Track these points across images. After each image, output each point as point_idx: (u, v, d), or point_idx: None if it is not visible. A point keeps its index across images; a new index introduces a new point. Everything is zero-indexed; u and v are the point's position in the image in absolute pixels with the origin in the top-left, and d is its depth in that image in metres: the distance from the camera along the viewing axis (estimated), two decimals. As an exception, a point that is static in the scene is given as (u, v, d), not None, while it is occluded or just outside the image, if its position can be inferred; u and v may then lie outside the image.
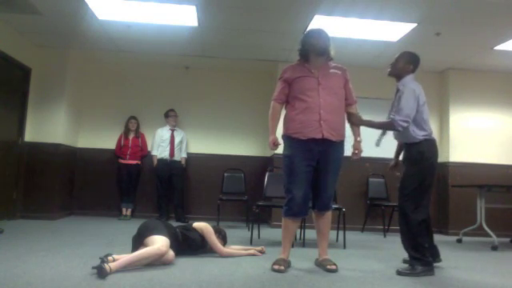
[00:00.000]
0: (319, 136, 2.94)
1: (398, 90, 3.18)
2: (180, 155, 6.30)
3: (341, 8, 4.36)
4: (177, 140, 6.27)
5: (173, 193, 6.19)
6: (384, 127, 3.23)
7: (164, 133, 6.26)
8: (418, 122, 3.06)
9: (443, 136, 6.31)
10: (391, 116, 3.11)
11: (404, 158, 3.20)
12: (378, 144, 3.32)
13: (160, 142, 6.23)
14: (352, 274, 2.94)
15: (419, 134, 3.07)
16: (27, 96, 5.72)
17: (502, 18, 4.45)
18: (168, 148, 6.19)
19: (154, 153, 6.25)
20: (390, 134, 3.33)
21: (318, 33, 3.07)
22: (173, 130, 6.30)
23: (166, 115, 6.33)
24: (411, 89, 3.06)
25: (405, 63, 3.20)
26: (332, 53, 3.08)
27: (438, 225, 6.05)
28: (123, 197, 6.21)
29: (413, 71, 3.21)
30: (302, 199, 2.98)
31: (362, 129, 3.24)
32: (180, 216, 6.06)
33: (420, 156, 3.05)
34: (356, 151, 3.14)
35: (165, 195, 6.19)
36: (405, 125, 3.01)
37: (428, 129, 3.11)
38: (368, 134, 3.32)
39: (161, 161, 6.18)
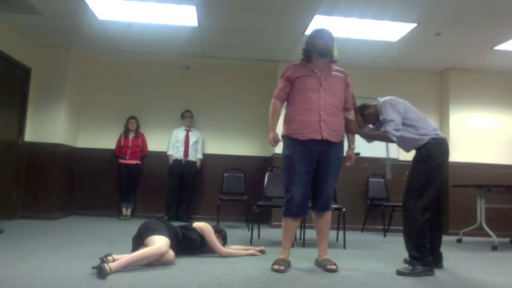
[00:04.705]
0: (319, 137, 2.94)
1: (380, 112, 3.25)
2: (195, 156, 6.31)
3: (341, 8, 4.36)
4: (192, 140, 6.28)
5: (183, 192, 6.19)
6: (379, 138, 3.29)
7: (179, 133, 6.29)
8: (414, 126, 3.11)
9: (443, 136, 6.31)
10: (382, 129, 3.15)
11: (413, 158, 3.20)
12: (389, 176, 3.38)
13: (175, 143, 6.25)
14: (352, 273, 2.94)
15: (424, 136, 3.09)
16: (27, 96, 5.72)
17: (502, 18, 4.45)
18: (182, 148, 6.21)
19: (169, 152, 6.27)
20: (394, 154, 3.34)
21: (322, 33, 3.05)
22: (188, 131, 6.32)
23: (182, 116, 6.38)
24: (384, 101, 3.16)
25: (367, 111, 3.31)
26: (335, 54, 3.08)
27: (437, 225, 6.05)
28: (123, 197, 6.22)
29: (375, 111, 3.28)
30: (301, 199, 2.98)
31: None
32: (182, 216, 6.06)
33: (427, 155, 3.07)
34: (349, 158, 3.15)
35: (175, 195, 6.17)
36: (397, 133, 3.08)
37: (429, 130, 3.11)
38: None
39: (175, 161, 6.20)
